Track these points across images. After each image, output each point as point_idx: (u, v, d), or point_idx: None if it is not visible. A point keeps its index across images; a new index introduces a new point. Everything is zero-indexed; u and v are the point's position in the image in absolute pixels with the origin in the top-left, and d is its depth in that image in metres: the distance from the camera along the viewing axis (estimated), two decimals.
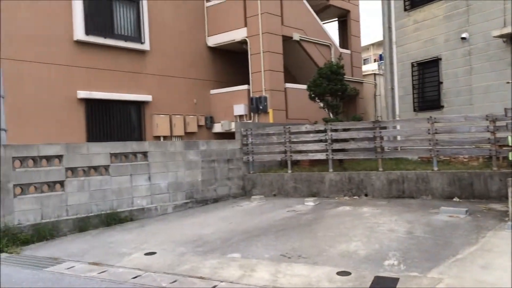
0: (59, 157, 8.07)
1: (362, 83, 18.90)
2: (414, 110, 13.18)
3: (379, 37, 24.87)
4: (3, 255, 6.61)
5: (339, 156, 10.60)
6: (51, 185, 7.99)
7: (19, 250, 6.82)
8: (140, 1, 14.19)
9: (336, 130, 10.51)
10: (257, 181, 11.35)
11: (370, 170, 10.16)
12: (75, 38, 12.75)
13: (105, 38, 13.31)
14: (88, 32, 12.92)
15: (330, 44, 17.03)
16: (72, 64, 12.71)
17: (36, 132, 11.52)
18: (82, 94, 12.79)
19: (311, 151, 10.83)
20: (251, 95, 15.04)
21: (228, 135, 14.63)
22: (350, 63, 18.33)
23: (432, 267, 4.85)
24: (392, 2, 13.70)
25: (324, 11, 18.60)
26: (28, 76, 11.84)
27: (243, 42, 15.33)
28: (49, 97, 12.19)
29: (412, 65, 13.23)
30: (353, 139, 10.64)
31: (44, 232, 7.44)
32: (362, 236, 6.34)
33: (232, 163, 11.34)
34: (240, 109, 15.12)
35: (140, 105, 14.31)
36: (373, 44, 35.05)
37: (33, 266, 5.90)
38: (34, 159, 7.76)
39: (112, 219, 8.47)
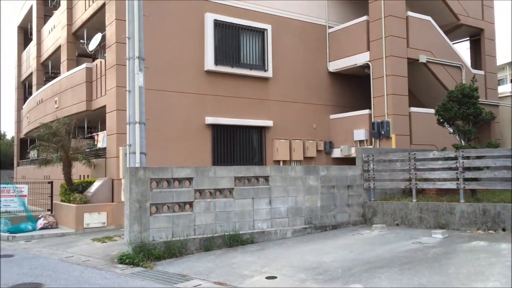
0: (190, 179, 8.67)
1: (497, 106, 17.30)
2: None
3: None
4: (139, 268, 7.24)
5: (472, 185, 9.76)
6: (181, 205, 8.59)
7: (152, 265, 7.41)
8: (265, 31, 14.84)
9: (468, 158, 9.73)
10: (378, 209, 10.93)
11: (508, 202, 9.17)
12: (205, 68, 13.78)
13: (232, 67, 14.17)
14: (217, 62, 13.88)
15: (461, 65, 15.95)
16: (202, 92, 13.73)
17: (170, 154, 12.56)
18: (210, 120, 13.69)
19: (439, 180, 10.14)
20: (372, 120, 14.66)
21: (347, 161, 14.39)
22: (484, 84, 16.94)
23: None
24: None
25: (454, 31, 17.52)
26: (168, 105, 13.07)
27: (365, 66, 15.09)
28: (183, 123, 13.29)
29: None
30: (487, 167, 9.73)
31: (174, 250, 8.00)
32: (500, 276, 5.72)
33: (352, 190, 11.09)
34: (360, 134, 14.83)
35: (261, 130, 14.82)
36: (509, 63, 31.97)
37: (165, 281, 6.36)
38: (168, 180, 8.45)
39: (234, 241, 8.79)
